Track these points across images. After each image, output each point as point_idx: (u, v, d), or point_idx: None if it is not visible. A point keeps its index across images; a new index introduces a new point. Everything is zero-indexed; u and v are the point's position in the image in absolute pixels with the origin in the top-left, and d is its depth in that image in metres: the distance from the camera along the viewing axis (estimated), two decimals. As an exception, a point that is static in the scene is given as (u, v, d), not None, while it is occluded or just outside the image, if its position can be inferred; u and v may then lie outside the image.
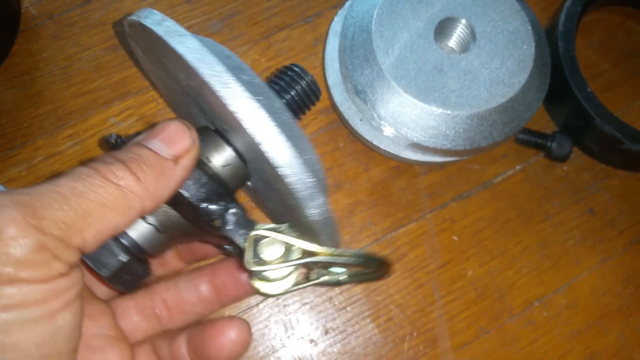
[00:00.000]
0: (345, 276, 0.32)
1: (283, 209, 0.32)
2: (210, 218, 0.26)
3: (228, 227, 0.26)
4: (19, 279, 0.20)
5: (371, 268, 0.28)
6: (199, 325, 0.30)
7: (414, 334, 0.39)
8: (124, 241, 0.26)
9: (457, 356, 0.39)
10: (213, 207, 0.26)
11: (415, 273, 0.41)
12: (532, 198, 0.43)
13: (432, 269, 0.41)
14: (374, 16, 0.39)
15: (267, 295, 0.29)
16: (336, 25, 0.42)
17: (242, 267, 0.25)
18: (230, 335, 0.28)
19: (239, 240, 0.26)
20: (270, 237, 0.25)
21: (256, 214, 0.41)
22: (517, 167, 0.43)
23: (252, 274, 0.29)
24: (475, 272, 0.41)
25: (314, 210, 0.26)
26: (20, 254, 0.20)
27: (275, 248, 0.25)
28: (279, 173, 0.24)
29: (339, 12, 0.43)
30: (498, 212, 0.42)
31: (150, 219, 0.27)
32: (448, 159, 0.40)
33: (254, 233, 0.26)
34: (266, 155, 0.24)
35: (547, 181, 0.43)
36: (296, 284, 0.31)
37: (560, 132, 0.42)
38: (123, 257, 0.26)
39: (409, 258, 0.41)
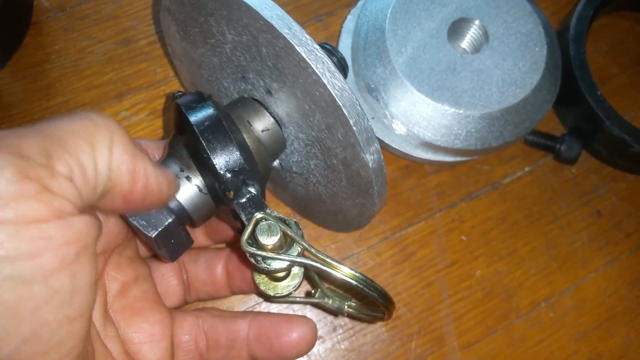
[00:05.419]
0: (346, 307, 0.32)
1: (321, 178, 0.32)
2: (226, 187, 0.26)
3: (239, 201, 0.26)
4: (5, 219, 0.17)
5: (370, 299, 0.27)
6: (268, 317, 0.30)
7: (422, 333, 0.39)
8: (170, 204, 0.27)
9: (464, 355, 0.39)
10: (232, 177, 0.26)
11: (423, 272, 0.41)
12: (540, 199, 0.43)
13: (440, 268, 0.41)
14: (388, 15, 0.39)
15: (263, 294, 0.29)
16: (349, 24, 0.43)
17: (241, 247, 0.25)
18: (302, 330, 0.29)
19: (243, 217, 0.26)
20: (272, 222, 0.25)
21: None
22: (526, 169, 0.44)
23: (254, 269, 0.29)
24: (483, 272, 0.41)
25: (370, 155, 0.26)
26: (2, 186, 0.17)
27: (273, 235, 0.25)
28: (343, 112, 0.25)
29: (352, 10, 0.43)
30: (506, 212, 0.42)
31: (195, 180, 0.27)
32: (458, 158, 0.40)
33: (260, 214, 0.25)
34: (330, 91, 0.24)
35: (556, 183, 0.43)
36: (295, 296, 0.31)
37: (570, 135, 0.42)
38: (168, 217, 0.26)
39: (418, 257, 0.41)
